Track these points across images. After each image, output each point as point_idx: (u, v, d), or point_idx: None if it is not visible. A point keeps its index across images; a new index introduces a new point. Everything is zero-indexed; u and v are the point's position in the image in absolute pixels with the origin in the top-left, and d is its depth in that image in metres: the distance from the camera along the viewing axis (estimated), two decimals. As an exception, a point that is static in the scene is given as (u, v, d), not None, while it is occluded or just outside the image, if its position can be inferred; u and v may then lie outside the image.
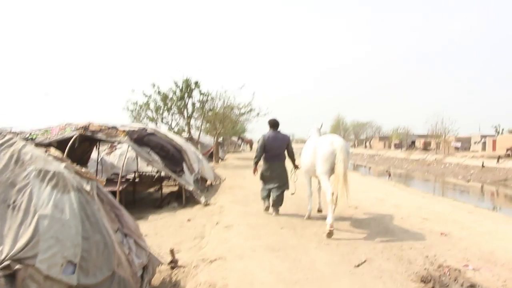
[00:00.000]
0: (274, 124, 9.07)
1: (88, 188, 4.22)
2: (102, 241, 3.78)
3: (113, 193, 9.86)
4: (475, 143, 47.48)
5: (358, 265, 5.35)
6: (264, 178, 9.24)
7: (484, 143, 44.63)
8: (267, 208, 9.21)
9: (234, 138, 61.13)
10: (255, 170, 9.41)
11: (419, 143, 60.10)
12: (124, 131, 10.99)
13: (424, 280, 4.76)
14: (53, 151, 4.33)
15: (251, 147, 63.51)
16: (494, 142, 42.59)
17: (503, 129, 51.02)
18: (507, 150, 35.18)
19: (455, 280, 4.77)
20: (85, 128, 10.76)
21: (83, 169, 4.45)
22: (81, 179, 4.23)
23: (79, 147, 12.06)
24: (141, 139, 11.01)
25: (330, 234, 6.80)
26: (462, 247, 6.50)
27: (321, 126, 9.44)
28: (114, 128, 11.03)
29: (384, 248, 6.27)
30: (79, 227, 3.60)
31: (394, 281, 4.81)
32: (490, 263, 5.70)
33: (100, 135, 10.71)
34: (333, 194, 7.09)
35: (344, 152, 7.20)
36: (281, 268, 5.24)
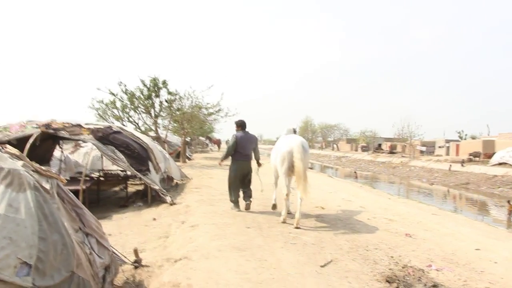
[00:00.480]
0: (242, 124, 9.36)
1: (47, 186, 4.06)
2: (60, 241, 3.63)
3: (77, 192, 9.63)
4: (439, 147, 48.54)
5: (324, 265, 5.34)
6: (234, 178, 9.42)
7: (448, 148, 45.68)
8: (236, 206, 9.37)
9: (202, 138, 60.80)
10: (221, 163, 10.13)
11: (385, 146, 60.96)
12: (88, 129, 10.74)
13: (389, 280, 4.78)
14: (9, 148, 4.15)
15: (219, 147, 63.27)
16: (457, 146, 43.67)
17: (466, 135, 52.52)
18: (470, 154, 36.07)
19: (418, 280, 4.81)
20: (47, 125, 10.47)
21: (44, 167, 4.29)
22: (40, 177, 4.06)
23: (41, 145, 11.73)
24: (106, 137, 10.78)
25: (284, 222, 7.92)
26: (426, 248, 6.59)
27: (295, 128, 9.52)
28: (78, 126, 10.77)
29: (350, 249, 6.29)
30: (35, 227, 3.44)
31: (360, 281, 4.81)
32: (452, 263, 5.79)
33: (63, 133, 10.44)
34: (287, 195, 7.96)
35: (301, 151, 7.66)
36: (247, 268, 5.17)
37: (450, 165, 33.69)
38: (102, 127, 11.24)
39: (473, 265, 5.82)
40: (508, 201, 16.48)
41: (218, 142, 64.91)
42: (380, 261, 5.64)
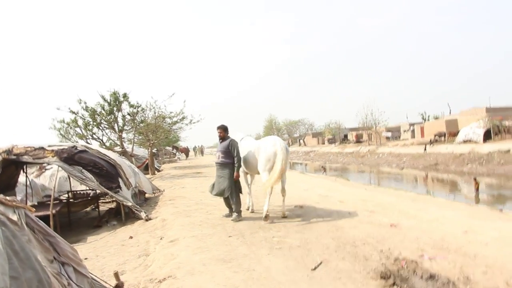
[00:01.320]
0: (227, 129, 9.30)
1: (15, 218, 3.75)
2: (35, 277, 3.33)
3: (47, 217, 9.20)
4: (404, 131, 49.28)
5: (315, 268, 5.18)
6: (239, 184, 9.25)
7: (413, 131, 46.42)
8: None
9: (169, 148, 60.07)
10: (238, 176, 8.95)
11: (351, 136, 61.54)
12: (52, 151, 10.30)
13: (384, 276, 4.65)
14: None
15: (186, 155, 62.62)
16: (422, 129, 44.44)
17: (429, 116, 53.45)
18: (434, 135, 36.70)
19: (414, 272, 4.70)
20: (9, 151, 10.00)
21: (8, 197, 3.97)
22: (5, 209, 3.74)
23: (4, 172, 11.22)
24: (71, 158, 10.35)
25: (266, 218, 8.36)
26: (413, 237, 6.51)
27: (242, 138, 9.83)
28: (41, 148, 10.32)
29: (337, 247, 6.16)
30: (5, 267, 3.14)
31: (354, 281, 4.66)
32: (443, 250, 5.71)
33: (26, 158, 9.98)
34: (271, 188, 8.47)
35: (285, 152, 8.42)
36: (235, 280, 4.95)
37: (425, 146, 34.21)
38: (66, 147, 10.80)
39: (465, 250, 5.74)
40: (475, 178, 16.81)
41: (185, 151, 64.26)
42: (371, 257, 5.52)
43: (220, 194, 8.88)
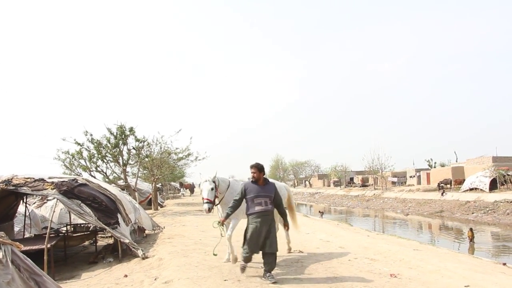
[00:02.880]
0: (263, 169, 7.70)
1: (0, 255, 3.67)
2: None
3: (42, 251, 9.06)
4: (410, 177, 49.16)
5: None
6: None
7: (419, 177, 46.30)
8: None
9: (174, 183, 59.98)
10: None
11: (357, 179, 61.41)
12: (52, 183, 10.25)
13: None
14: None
15: (191, 191, 62.43)
16: (428, 175, 44.34)
17: (435, 163, 53.49)
18: (440, 182, 36.50)
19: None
20: (8, 181, 9.97)
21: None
22: (-8, 246, 3.67)
23: (3, 201, 11.17)
24: (71, 191, 10.29)
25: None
26: (412, 289, 6.32)
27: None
28: (41, 180, 10.28)
29: (332, 283, 5.98)
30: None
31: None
32: (443, 304, 5.52)
33: (25, 189, 9.94)
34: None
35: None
36: (226, 328, 4.77)
37: (443, 192, 33.77)
38: (66, 180, 10.76)
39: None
40: (470, 229, 16.62)
41: (190, 187, 64.10)
42: (368, 309, 5.33)
43: (271, 250, 7.07)
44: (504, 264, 9.46)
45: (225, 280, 7.10)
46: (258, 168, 7.35)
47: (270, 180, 7.80)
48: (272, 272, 7.08)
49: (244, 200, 7.37)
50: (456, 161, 50.52)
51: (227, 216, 7.42)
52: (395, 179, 50.40)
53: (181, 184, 64.04)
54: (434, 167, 51.43)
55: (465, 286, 6.58)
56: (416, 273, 7.37)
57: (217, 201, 8.33)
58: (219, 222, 7.55)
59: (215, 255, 8.29)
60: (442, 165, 50.74)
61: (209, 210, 7.92)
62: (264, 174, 7.48)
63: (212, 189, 8.01)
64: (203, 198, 8.01)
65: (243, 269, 7.30)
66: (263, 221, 7.03)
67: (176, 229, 15.23)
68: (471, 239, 15.89)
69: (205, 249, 10.32)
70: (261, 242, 7.04)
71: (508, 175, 31.07)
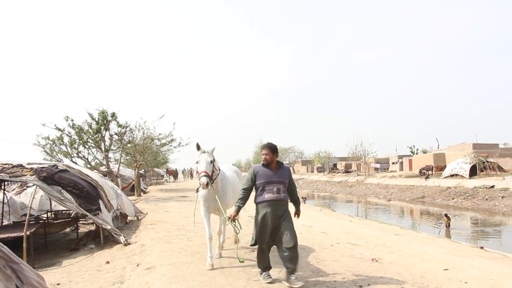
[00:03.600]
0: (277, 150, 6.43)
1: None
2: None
3: (20, 238, 8.95)
4: (393, 163, 49.73)
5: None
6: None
7: (402, 163, 46.83)
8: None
9: (157, 170, 59.68)
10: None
11: (340, 165, 61.81)
12: (31, 169, 10.10)
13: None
14: None
15: (175, 177, 62.19)
16: (410, 161, 44.90)
17: (417, 149, 54.11)
18: (422, 169, 36.94)
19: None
20: (-15, 168, 9.78)
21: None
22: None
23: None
24: (51, 177, 10.15)
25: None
26: (394, 273, 6.40)
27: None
28: (20, 166, 10.12)
29: (316, 282, 6.03)
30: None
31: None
32: (423, 288, 5.59)
33: (2, 175, 9.77)
34: None
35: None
36: (208, 314, 4.77)
37: (427, 177, 34.28)
38: (46, 166, 10.60)
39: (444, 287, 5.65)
40: (445, 214, 16.85)
41: (174, 173, 63.85)
42: (349, 293, 5.37)
43: (290, 244, 5.70)
44: (482, 247, 9.63)
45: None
46: (271, 149, 6.09)
47: (284, 164, 6.38)
48: (295, 271, 5.73)
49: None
50: (438, 148, 51.16)
51: (238, 209, 6.16)
52: (378, 165, 50.89)
53: (167, 170, 63.88)
54: (417, 153, 52.01)
55: (444, 270, 6.68)
56: (397, 257, 7.45)
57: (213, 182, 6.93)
58: (229, 217, 6.29)
59: (241, 261, 7.08)
60: (424, 152, 51.31)
61: (207, 184, 6.56)
62: (277, 156, 6.20)
63: (211, 162, 6.77)
64: (199, 172, 6.70)
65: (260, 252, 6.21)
66: (274, 211, 5.83)
67: (159, 215, 15.16)
68: (448, 225, 16.10)
69: (188, 235, 10.30)
70: (272, 235, 5.87)
71: (487, 161, 31.56)
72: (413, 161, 44.53)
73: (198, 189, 7.23)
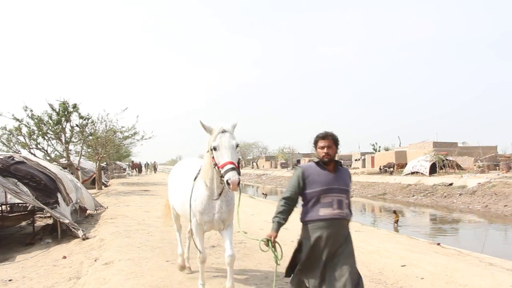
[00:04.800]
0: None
1: None
2: None
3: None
4: (356, 160, 50.49)
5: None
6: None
7: (364, 160, 47.58)
8: None
9: (120, 163, 58.81)
10: None
11: (304, 162, 62.35)
12: (-15, 160, 9.74)
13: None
14: None
15: (139, 171, 61.36)
16: (372, 159, 45.70)
17: (380, 147, 55.16)
18: (384, 166, 37.66)
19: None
20: None
21: None
22: None
23: None
24: (6, 169, 9.83)
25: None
26: (354, 269, 6.47)
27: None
28: (-27, 157, 9.75)
29: (276, 277, 6.00)
30: None
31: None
32: (381, 283, 5.69)
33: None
34: None
35: None
36: (166, 310, 4.70)
37: (392, 172, 34.92)
38: (1, 157, 10.26)
39: (401, 284, 5.75)
40: (394, 211, 17.26)
41: (137, 166, 63.00)
42: None
43: (350, 284, 3.85)
44: (438, 244, 9.88)
45: (167, 261, 7.03)
46: (334, 140, 4.20)
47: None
48: None
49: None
50: (400, 146, 52.22)
51: (279, 227, 4.13)
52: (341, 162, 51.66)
53: (133, 163, 63.07)
54: (379, 151, 52.98)
55: (401, 266, 6.82)
56: (357, 254, 7.43)
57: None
58: (268, 239, 4.09)
59: None
60: (386, 149, 52.33)
61: (239, 184, 4.36)
62: (337, 152, 4.34)
63: (237, 146, 4.60)
64: (221, 164, 4.41)
65: None
66: (332, 235, 3.98)
67: (119, 209, 14.90)
68: (396, 221, 16.42)
69: (149, 230, 10.17)
70: (324, 270, 4.01)
71: (446, 160, 32.39)
72: (375, 158, 45.33)
73: (193, 195, 5.03)
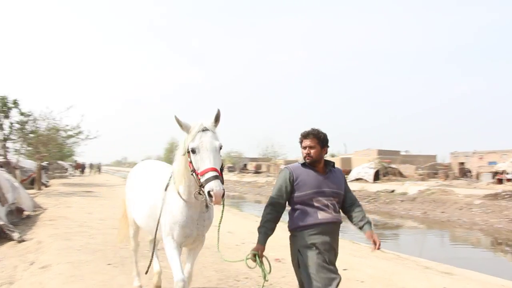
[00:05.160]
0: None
1: None
2: None
3: None
4: (302, 166, 51.34)
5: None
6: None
7: (310, 165, 48.47)
8: None
9: (62, 162, 56.92)
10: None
11: (251, 166, 62.64)
12: None
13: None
14: None
15: (82, 171, 59.62)
16: (318, 164, 46.57)
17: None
18: (277, 173, 38.55)
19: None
20: None
21: None
22: None
23: None
24: None
25: None
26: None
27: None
28: None
29: (219, 280, 6.04)
30: None
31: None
32: None
33: None
34: None
35: None
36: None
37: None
38: None
39: (343, 287, 5.81)
40: None
41: (81, 166, 61.21)
42: (252, 293, 5.38)
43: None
44: (378, 248, 10.12)
45: (108, 264, 6.83)
46: (319, 138, 3.87)
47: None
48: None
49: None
50: (345, 152, 53.48)
51: (266, 240, 3.75)
52: (287, 167, 52.36)
53: (77, 163, 61.28)
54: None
55: (343, 270, 6.91)
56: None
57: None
58: (256, 254, 3.68)
59: None
60: (332, 156, 53.43)
61: (223, 195, 3.45)
62: (326, 151, 3.99)
63: (220, 148, 3.73)
64: (202, 171, 3.53)
65: None
66: (331, 242, 3.76)
67: (60, 210, 14.36)
68: None
69: (90, 232, 9.86)
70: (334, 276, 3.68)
71: (390, 167, 33.43)
72: (321, 163, 46.27)
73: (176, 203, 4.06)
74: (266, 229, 3.73)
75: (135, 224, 5.31)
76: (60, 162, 54.06)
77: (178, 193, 3.98)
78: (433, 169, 37.45)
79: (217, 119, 3.78)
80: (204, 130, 3.68)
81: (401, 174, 33.44)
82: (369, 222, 3.95)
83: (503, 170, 31.49)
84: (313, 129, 3.88)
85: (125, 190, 5.51)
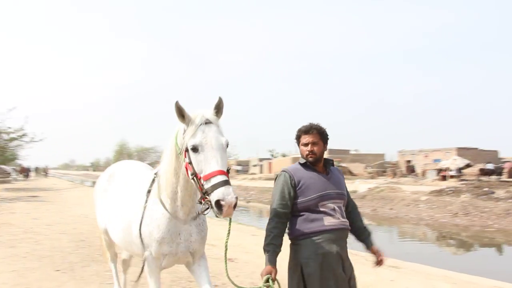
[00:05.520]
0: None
1: None
2: None
3: None
4: (253, 166, 51.52)
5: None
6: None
7: (262, 166, 48.76)
8: None
9: (4, 166, 54.63)
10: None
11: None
12: None
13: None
14: None
15: (26, 176, 57.40)
16: (270, 164, 47.11)
17: (277, 153, 56.94)
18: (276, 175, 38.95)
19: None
20: None
21: None
22: None
23: None
24: None
25: None
26: (248, 272, 6.63)
27: None
28: None
29: (172, 282, 6.01)
30: None
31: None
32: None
33: None
34: None
35: None
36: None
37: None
38: None
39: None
40: None
41: (25, 171, 58.93)
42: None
43: None
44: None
45: (56, 270, 6.58)
46: (321, 134, 3.49)
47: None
48: None
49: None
50: (296, 152, 54.24)
51: (275, 257, 3.30)
52: (239, 167, 52.43)
53: (22, 167, 58.93)
54: (276, 157, 54.55)
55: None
56: (253, 257, 7.63)
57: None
58: (269, 278, 3.20)
59: None
60: (284, 156, 53.96)
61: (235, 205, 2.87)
62: (326, 149, 3.57)
63: (227, 145, 3.05)
64: (207, 174, 2.81)
65: None
66: (340, 250, 3.25)
67: (3, 216, 13.74)
68: None
69: (37, 238, 9.47)
70: None
71: (340, 166, 34.06)
72: (272, 164, 46.66)
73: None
74: (275, 246, 3.25)
75: (107, 236, 4.49)
76: (2, 166, 51.90)
77: (161, 201, 3.30)
78: (381, 167, 38.49)
79: (219, 109, 3.08)
80: (207, 123, 2.97)
81: (351, 173, 34.17)
82: (370, 234, 3.56)
83: (446, 167, 32.80)
84: (313, 124, 3.47)
85: (93, 196, 4.81)
